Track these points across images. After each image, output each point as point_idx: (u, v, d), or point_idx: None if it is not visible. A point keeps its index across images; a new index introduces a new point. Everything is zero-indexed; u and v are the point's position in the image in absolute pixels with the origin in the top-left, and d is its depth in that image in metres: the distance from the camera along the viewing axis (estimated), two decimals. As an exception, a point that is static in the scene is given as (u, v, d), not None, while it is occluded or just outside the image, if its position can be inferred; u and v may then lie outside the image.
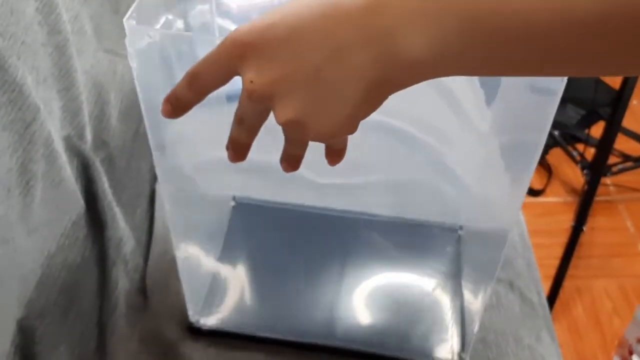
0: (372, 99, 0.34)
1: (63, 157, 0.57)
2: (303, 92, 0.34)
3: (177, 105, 0.39)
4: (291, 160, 0.42)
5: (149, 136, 0.48)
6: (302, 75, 0.33)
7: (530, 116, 0.47)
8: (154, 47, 0.44)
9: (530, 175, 0.46)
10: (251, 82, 0.34)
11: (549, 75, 0.34)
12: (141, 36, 0.42)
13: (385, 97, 0.34)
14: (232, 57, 0.35)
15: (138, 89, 0.44)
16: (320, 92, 0.34)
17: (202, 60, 0.37)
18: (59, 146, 0.57)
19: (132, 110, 0.71)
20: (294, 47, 0.33)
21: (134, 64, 0.43)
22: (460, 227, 0.70)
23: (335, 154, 0.43)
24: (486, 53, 0.31)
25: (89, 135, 0.63)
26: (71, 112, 0.60)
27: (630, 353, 0.94)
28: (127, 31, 0.41)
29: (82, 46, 0.63)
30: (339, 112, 0.34)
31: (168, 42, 0.45)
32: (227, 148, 0.41)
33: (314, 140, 0.38)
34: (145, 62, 0.44)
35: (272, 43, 0.33)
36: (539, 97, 0.44)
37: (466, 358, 0.58)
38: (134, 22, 0.41)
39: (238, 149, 0.41)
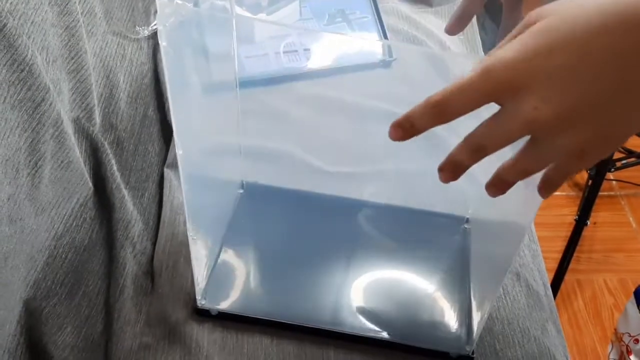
0: None
1: (72, 139, 0.57)
2: (589, 122, 0.33)
3: (411, 131, 0.38)
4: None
5: (173, 118, 0.47)
6: (589, 103, 0.32)
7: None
8: (184, 25, 0.43)
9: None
10: (535, 109, 0.33)
11: None
12: (172, 13, 0.41)
13: None
14: (497, 86, 0.34)
15: (165, 69, 0.44)
16: (608, 119, 0.33)
17: (453, 89, 0.36)
18: (68, 127, 0.57)
19: (140, 94, 0.71)
20: (580, 73, 0.32)
21: (163, 42, 0.42)
22: (467, 220, 0.70)
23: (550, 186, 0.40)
24: None
25: (97, 118, 0.62)
26: (80, 93, 0.59)
27: (629, 353, 0.94)
28: (158, 8, 0.41)
29: (92, 28, 0.62)
30: (620, 136, 0.34)
31: (200, 19, 0.44)
32: (443, 169, 0.40)
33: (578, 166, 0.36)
34: (174, 41, 0.43)
35: (553, 70, 0.32)
36: None
37: (472, 349, 0.58)
38: None
39: (459, 170, 0.39)
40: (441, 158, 0.66)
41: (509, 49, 0.34)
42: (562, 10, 0.33)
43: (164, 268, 0.63)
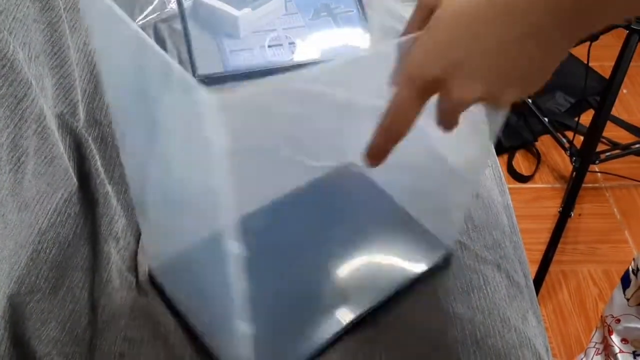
0: None
1: (55, 134, 0.57)
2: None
3: (381, 156, 0.43)
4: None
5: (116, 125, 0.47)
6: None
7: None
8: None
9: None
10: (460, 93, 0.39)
11: None
12: (96, 8, 0.41)
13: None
14: (424, 91, 0.40)
15: (103, 71, 0.44)
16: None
17: (389, 112, 0.41)
18: (52, 123, 0.57)
19: (124, 89, 0.71)
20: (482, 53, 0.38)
21: (94, 40, 0.42)
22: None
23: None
24: None
25: (81, 113, 0.63)
26: (64, 89, 0.60)
27: (611, 333, 0.96)
28: (80, 4, 0.40)
29: (75, 23, 0.62)
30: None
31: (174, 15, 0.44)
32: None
33: None
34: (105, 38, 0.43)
35: (464, 58, 0.38)
36: None
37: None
38: None
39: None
40: (422, 151, 0.66)
41: (420, 49, 0.40)
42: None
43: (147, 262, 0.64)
